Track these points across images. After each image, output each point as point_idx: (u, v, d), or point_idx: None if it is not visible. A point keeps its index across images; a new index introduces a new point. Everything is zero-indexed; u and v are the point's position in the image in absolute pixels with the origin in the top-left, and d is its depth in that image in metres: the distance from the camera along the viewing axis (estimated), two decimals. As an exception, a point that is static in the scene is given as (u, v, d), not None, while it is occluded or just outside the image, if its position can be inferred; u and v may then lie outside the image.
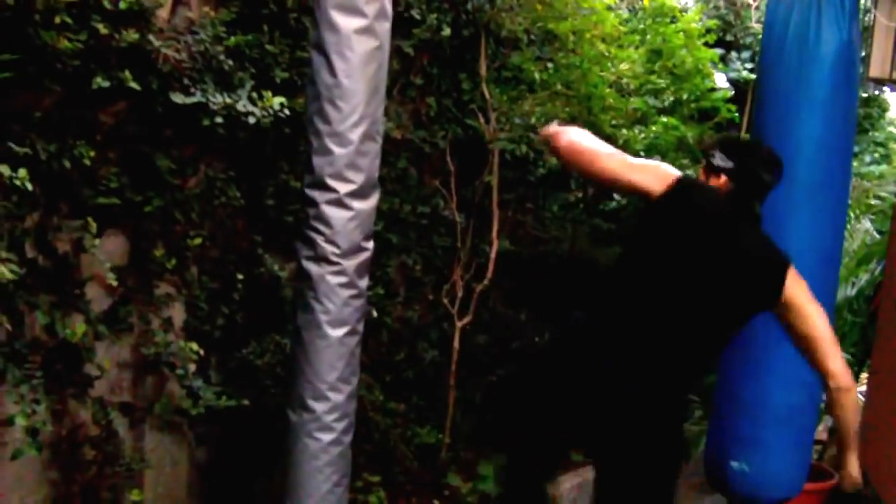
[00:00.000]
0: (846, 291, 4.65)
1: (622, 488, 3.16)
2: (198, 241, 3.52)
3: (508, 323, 5.32)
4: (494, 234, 4.77)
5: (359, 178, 3.33)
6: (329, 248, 3.33)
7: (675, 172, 3.06)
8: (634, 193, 3.14)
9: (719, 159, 3.15)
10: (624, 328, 3.01)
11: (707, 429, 3.80)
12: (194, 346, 3.50)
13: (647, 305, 3.00)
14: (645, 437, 3.03)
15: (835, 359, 3.10)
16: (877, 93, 8.20)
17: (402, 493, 4.54)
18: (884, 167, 8.60)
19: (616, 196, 5.85)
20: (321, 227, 3.32)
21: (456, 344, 4.80)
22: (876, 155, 9.21)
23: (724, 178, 3.13)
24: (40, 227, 3.09)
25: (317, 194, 3.31)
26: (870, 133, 8.52)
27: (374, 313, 4.20)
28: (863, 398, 4.78)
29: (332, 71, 3.21)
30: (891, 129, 9.57)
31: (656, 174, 3.05)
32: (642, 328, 2.99)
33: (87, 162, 3.05)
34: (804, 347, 3.11)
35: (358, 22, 3.17)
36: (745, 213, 3.11)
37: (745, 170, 3.13)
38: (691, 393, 3.14)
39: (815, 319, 3.07)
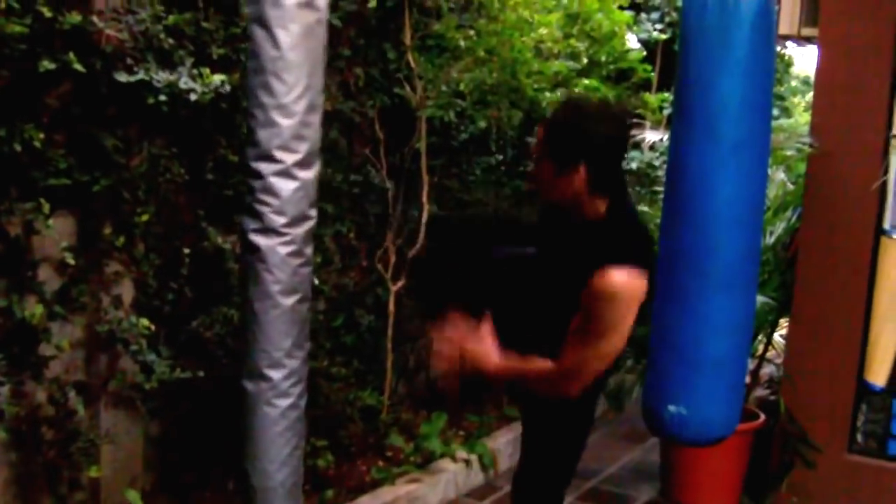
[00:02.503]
0: (765, 239, 4.86)
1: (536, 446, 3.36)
2: (145, 217, 3.57)
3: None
4: (425, 198, 4.87)
5: (303, 148, 3.41)
6: (277, 219, 3.40)
7: (642, 282, 2.93)
8: None
9: (570, 148, 2.92)
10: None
11: (644, 377, 3.95)
12: (145, 321, 3.56)
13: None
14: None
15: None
16: (780, 49, 8.47)
17: (348, 455, 4.65)
18: (790, 120, 8.89)
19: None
20: (268, 199, 3.39)
21: (391, 308, 4.91)
22: (774, 111, 9.52)
23: (581, 169, 2.91)
24: (-9, 212, 3.13)
25: (263, 166, 3.38)
26: (773, 88, 8.78)
27: (316, 281, 4.28)
28: (784, 341, 5.03)
29: (276, 44, 3.28)
30: (795, 83, 9.90)
31: (639, 299, 2.95)
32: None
33: (38, 144, 3.08)
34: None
35: (300, -4, 3.25)
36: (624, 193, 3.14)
37: (599, 152, 2.96)
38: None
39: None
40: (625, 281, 2.84)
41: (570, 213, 3.04)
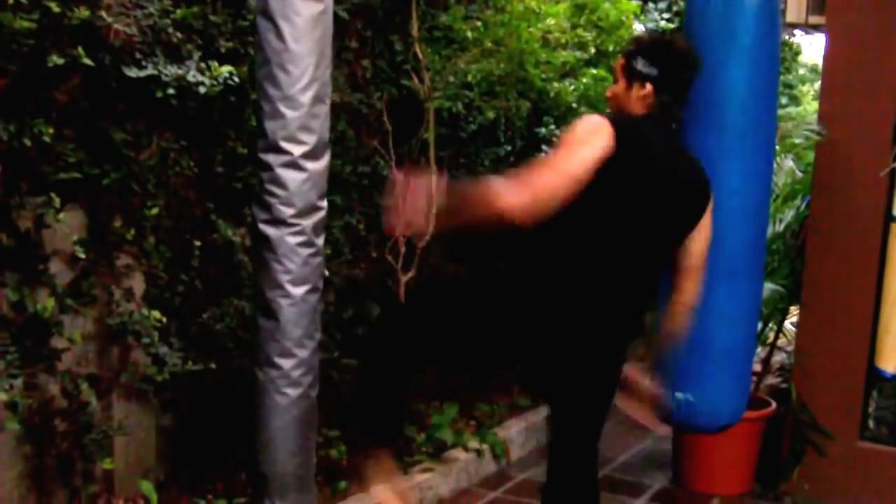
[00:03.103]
0: (774, 227, 4.86)
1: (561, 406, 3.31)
2: (155, 211, 3.60)
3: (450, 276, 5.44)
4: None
5: (311, 140, 3.44)
6: (285, 210, 3.44)
7: (601, 120, 2.92)
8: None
9: (643, 65, 3.09)
10: (610, 276, 3.06)
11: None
12: (157, 314, 3.58)
13: (624, 250, 3.04)
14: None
15: (696, 280, 3.25)
16: (788, 38, 8.46)
17: (360, 445, 4.66)
18: (799, 108, 8.87)
19: (545, 148, 5.99)
20: (276, 190, 3.43)
21: (401, 299, 4.92)
22: (784, 99, 9.51)
23: (648, 86, 3.08)
24: (3, 206, 3.14)
25: (271, 157, 3.41)
26: (781, 76, 8.79)
27: (326, 273, 4.30)
28: (794, 329, 5.03)
29: (280, 36, 3.31)
30: (803, 71, 9.88)
31: (594, 132, 2.89)
32: (624, 270, 3.06)
33: (47, 139, 3.11)
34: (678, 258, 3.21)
35: (303, -14, 3.27)
36: (672, 128, 3.18)
37: (669, 74, 3.10)
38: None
39: (706, 237, 3.19)
40: (588, 117, 2.97)
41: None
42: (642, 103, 3.10)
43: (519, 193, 2.81)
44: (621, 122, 2.96)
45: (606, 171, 2.86)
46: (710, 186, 3.16)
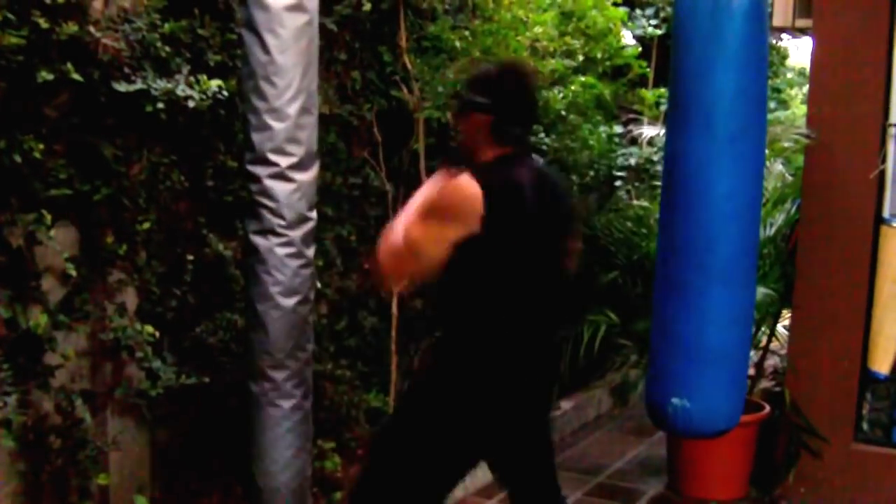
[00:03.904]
0: (765, 231, 4.87)
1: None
2: (146, 225, 3.60)
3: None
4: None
5: (299, 151, 3.45)
6: (275, 221, 3.44)
7: (473, 192, 2.83)
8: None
9: (478, 98, 3.00)
10: (533, 314, 3.05)
11: (647, 371, 3.98)
12: (150, 328, 3.58)
13: (535, 286, 3.03)
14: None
15: None
16: (775, 42, 8.49)
17: (355, 457, 4.66)
18: (787, 112, 8.89)
19: (535, 156, 5.99)
20: (266, 201, 3.43)
21: (394, 310, 4.92)
22: (772, 103, 9.54)
23: (485, 117, 2.98)
24: (-7, 224, 3.14)
25: (259, 169, 3.42)
26: (769, 80, 8.82)
27: (318, 284, 4.30)
28: (787, 332, 5.04)
29: (266, 48, 3.32)
30: (790, 75, 9.91)
31: (469, 213, 2.83)
32: (545, 303, 3.08)
33: (38, 155, 3.10)
34: None
35: (287, -1, 3.28)
36: (531, 158, 3.14)
37: (503, 100, 3.00)
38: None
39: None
40: (459, 180, 2.87)
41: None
42: (489, 140, 3.01)
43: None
44: (490, 186, 2.86)
45: (480, 238, 2.86)
46: (571, 198, 3.31)
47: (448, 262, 2.88)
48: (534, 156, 3.22)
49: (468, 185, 2.83)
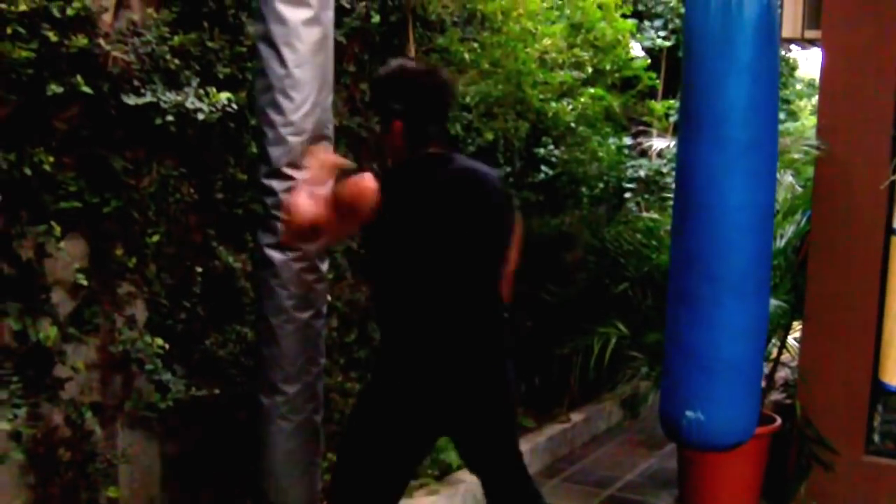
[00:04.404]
0: (776, 243, 4.86)
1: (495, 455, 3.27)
2: (156, 238, 3.59)
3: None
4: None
5: (314, 166, 3.44)
6: (290, 235, 3.43)
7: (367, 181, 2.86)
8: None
9: (391, 103, 3.03)
10: (428, 319, 3.04)
11: (661, 384, 3.96)
12: (159, 341, 3.57)
13: (427, 287, 3.02)
14: (497, 391, 3.16)
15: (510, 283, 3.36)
16: (784, 53, 8.48)
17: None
18: (797, 124, 8.89)
19: (544, 168, 5.99)
20: (281, 214, 3.42)
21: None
22: (781, 115, 9.54)
23: (398, 123, 3.02)
24: (4, 236, 3.13)
25: (275, 183, 3.42)
26: (779, 92, 8.82)
27: (329, 297, 4.29)
28: (798, 344, 5.03)
29: (283, 62, 3.32)
30: (800, 87, 9.91)
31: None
32: (438, 305, 3.04)
33: (48, 168, 3.11)
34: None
35: (304, 13, 3.28)
36: (452, 157, 3.16)
37: (418, 102, 3.04)
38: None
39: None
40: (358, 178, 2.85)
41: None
42: (405, 143, 3.06)
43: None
44: (386, 182, 2.92)
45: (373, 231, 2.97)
46: (502, 199, 3.22)
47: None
48: (459, 155, 3.26)
49: (366, 180, 2.83)
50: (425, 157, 3.07)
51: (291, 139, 3.35)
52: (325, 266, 3.56)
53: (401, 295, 3.04)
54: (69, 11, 3.09)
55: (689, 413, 3.67)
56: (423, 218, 2.97)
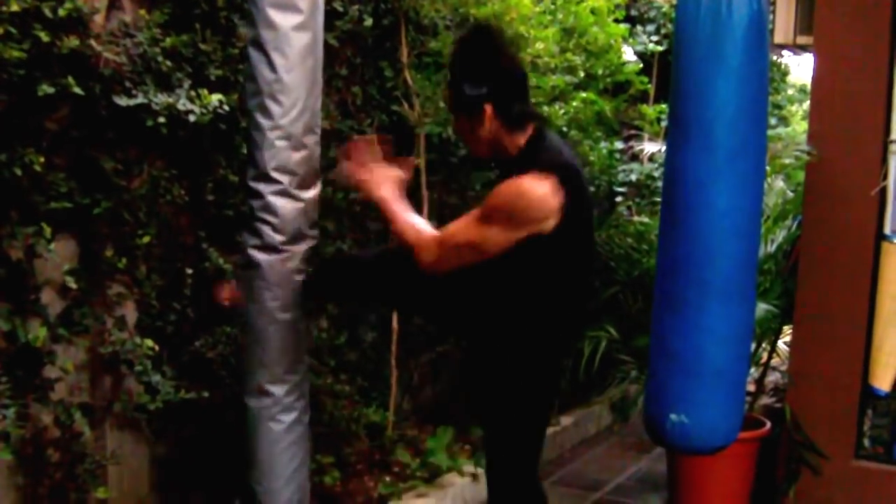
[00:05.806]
0: (766, 248, 4.87)
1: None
2: (146, 239, 3.60)
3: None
4: (425, 215, 4.88)
5: (302, 170, 3.46)
6: (276, 237, 3.45)
7: (553, 199, 2.81)
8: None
9: (471, 90, 2.91)
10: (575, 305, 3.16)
11: (646, 387, 3.96)
12: (149, 342, 3.57)
13: (567, 282, 3.09)
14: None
15: None
16: (776, 58, 8.50)
17: (354, 471, 4.65)
18: (788, 129, 8.91)
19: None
20: (268, 217, 3.44)
21: (395, 324, 4.92)
22: (773, 120, 9.56)
23: (488, 108, 2.90)
24: (-7, 237, 3.15)
25: (262, 186, 3.42)
26: (770, 97, 8.84)
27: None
28: (788, 348, 5.03)
29: (273, 67, 3.32)
30: (791, 92, 9.93)
31: (542, 218, 2.82)
32: (569, 296, 3.14)
33: (38, 168, 3.11)
34: None
35: (295, 18, 3.29)
36: (549, 132, 3.10)
37: (500, 83, 2.92)
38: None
39: None
40: (522, 181, 2.79)
41: (501, 158, 3.08)
42: (499, 129, 2.97)
43: (428, 248, 2.91)
44: (565, 183, 2.84)
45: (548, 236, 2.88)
46: None
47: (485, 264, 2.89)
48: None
49: (550, 194, 2.78)
50: (544, 139, 3.01)
51: (279, 143, 3.36)
52: (311, 269, 3.56)
53: (567, 291, 3.09)
54: (61, 12, 3.10)
55: (672, 416, 3.66)
56: (590, 207, 3.09)
